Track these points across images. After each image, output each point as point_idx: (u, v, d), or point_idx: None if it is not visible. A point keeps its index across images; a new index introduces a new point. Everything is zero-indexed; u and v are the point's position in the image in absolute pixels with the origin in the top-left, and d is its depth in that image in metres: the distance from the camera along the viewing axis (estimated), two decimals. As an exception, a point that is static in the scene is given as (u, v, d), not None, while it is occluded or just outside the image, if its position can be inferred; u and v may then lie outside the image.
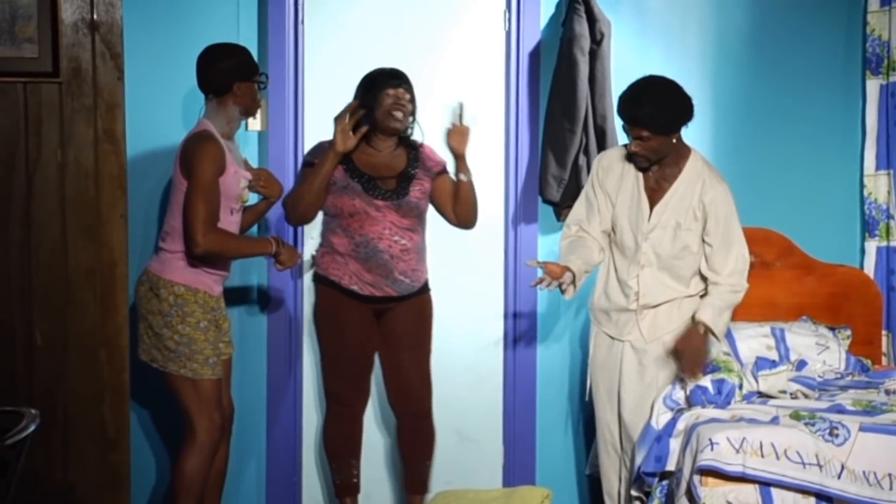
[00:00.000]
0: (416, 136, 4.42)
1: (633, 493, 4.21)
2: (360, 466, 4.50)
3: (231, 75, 4.01)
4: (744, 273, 4.16)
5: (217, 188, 3.93)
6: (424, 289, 4.41)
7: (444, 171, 4.43)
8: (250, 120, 4.54)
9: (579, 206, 4.34)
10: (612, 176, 4.24)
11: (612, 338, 4.28)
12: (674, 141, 4.12)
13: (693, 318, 4.14)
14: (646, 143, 4.08)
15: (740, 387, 4.24)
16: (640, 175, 4.20)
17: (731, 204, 4.18)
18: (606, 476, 4.38)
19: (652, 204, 4.18)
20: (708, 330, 4.10)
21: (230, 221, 4.04)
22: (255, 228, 4.52)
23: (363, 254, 4.26)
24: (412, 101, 4.31)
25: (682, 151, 4.19)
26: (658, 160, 4.14)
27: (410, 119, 4.34)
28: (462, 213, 4.38)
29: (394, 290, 4.29)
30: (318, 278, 4.41)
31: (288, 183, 4.57)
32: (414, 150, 4.40)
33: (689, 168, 4.18)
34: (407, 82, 4.30)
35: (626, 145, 4.22)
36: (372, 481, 4.73)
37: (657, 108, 4.04)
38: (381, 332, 4.40)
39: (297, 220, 4.43)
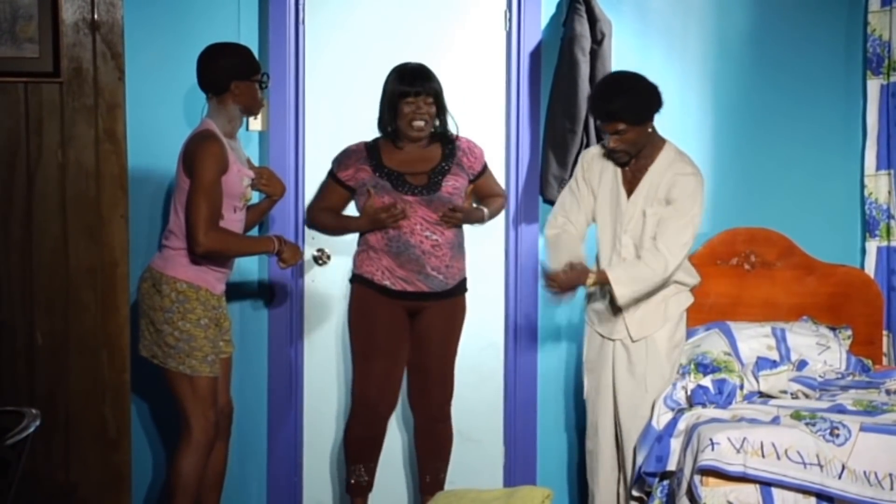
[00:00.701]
0: (451, 127, 4.39)
1: (634, 493, 4.22)
2: (376, 468, 4.49)
3: (228, 74, 4.01)
4: (673, 258, 4.07)
5: (219, 188, 3.93)
6: (460, 289, 4.40)
7: (483, 171, 4.42)
8: (251, 120, 4.55)
9: (564, 198, 4.36)
10: (594, 173, 4.28)
11: (602, 336, 4.28)
12: (649, 131, 4.14)
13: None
14: (623, 137, 4.10)
15: (741, 387, 4.24)
16: (619, 171, 4.22)
17: (696, 189, 4.14)
18: (591, 478, 4.38)
19: (629, 196, 4.20)
20: (605, 278, 4.08)
21: (234, 219, 4.05)
22: (254, 229, 4.52)
23: (395, 248, 4.25)
24: (435, 101, 4.27)
25: (657, 143, 4.22)
26: (637, 152, 4.16)
27: (436, 121, 4.30)
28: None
29: (426, 285, 4.28)
30: (353, 278, 4.41)
31: (289, 182, 4.56)
32: (450, 144, 4.36)
33: (662, 158, 4.20)
34: (428, 85, 4.25)
35: (603, 144, 4.24)
36: (381, 478, 4.72)
37: (628, 98, 4.08)
38: (412, 333, 4.38)
39: (311, 227, 4.59)
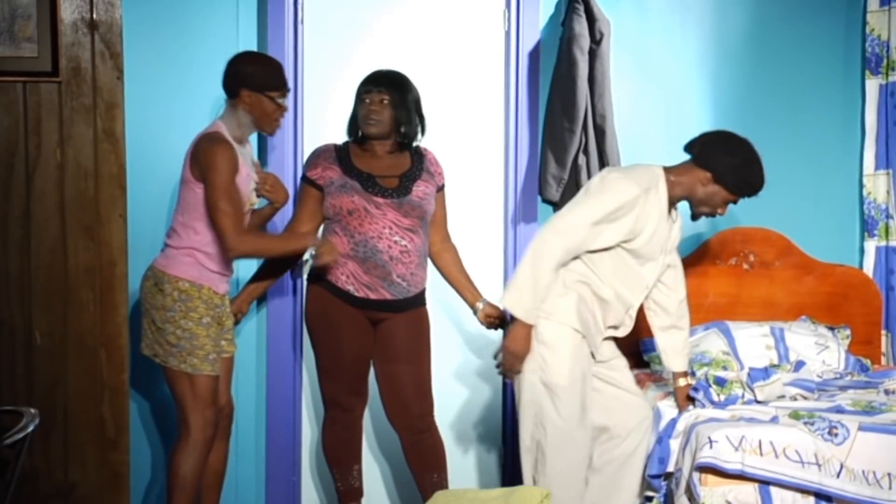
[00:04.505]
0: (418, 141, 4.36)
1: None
2: (362, 470, 4.45)
3: (239, 81, 3.95)
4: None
5: (236, 189, 3.90)
6: (421, 300, 4.32)
7: (443, 187, 4.39)
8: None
9: (592, 230, 3.90)
10: (651, 216, 3.94)
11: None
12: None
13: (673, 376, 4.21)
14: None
15: (742, 395, 4.22)
16: (665, 224, 4.03)
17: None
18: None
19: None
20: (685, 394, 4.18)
21: None
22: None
23: (362, 253, 4.17)
24: (393, 103, 4.21)
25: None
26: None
27: (401, 128, 4.24)
28: (445, 253, 4.42)
29: (390, 293, 4.19)
30: (311, 278, 4.31)
31: (287, 184, 4.56)
32: (419, 155, 4.33)
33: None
34: (385, 85, 4.21)
35: (705, 213, 4.05)
36: (373, 482, 4.73)
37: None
38: (376, 344, 4.30)
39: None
